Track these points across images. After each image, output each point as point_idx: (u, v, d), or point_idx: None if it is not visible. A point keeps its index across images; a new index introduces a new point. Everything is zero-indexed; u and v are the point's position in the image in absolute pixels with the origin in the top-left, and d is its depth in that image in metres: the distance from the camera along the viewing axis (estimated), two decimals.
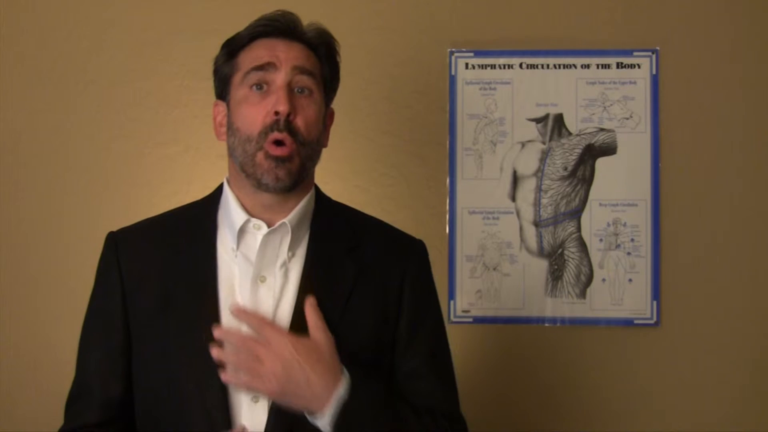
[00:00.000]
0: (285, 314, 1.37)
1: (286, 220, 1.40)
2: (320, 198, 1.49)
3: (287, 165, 1.36)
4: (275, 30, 1.42)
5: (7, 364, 2.15)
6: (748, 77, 2.19)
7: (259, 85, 1.39)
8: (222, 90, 1.46)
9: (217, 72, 1.46)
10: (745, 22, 2.20)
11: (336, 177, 2.10)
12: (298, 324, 1.35)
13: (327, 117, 1.48)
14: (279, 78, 1.38)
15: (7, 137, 2.20)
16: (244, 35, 1.43)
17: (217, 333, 1.30)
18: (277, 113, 1.36)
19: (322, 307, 1.37)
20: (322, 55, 1.45)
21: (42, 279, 2.16)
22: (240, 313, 1.32)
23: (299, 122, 1.37)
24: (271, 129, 1.36)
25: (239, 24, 1.46)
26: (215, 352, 1.30)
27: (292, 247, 1.41)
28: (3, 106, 2.20)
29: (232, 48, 1.44)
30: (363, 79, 2.18)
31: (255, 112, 1.37)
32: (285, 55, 1.39)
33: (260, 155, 1.36)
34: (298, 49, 1.42)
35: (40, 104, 2.20)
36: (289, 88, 1.38)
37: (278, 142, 1.36)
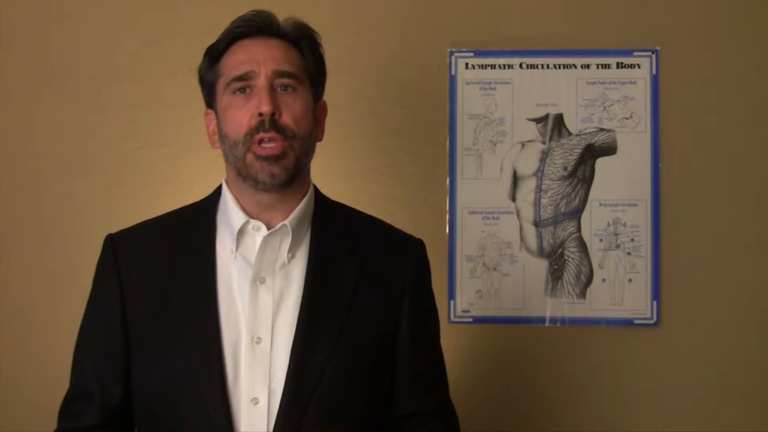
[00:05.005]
0: (288, 316, 1.37)
1: (286, 221, 1.39)
2: (319, 198, 1.48)
3: (281, 161, 1.36)
4: (253, 30, 1.41)
5: (9, 363, 2.15)
6: (748, 77, 2.19)
7: (242, 89, 1.38)
8: (209, 98, 1.45)
9: (202, 81, 1.46)
10: (745, 22, 2.20)
11: (336, 177, 2.10)
12: (303, 325, 1.35)
13: (319, 110, 1.47)
14: (260, 80, 1.37)
15: (7, 138, 2.19)
16: (223, 39, 1.43)
17: None
18: (261, 114, 1.35)
19: (326, 310, 1.37)
20: (305, 48, 1.43)
21: (42, 279, 2.16)
22: None
23: (286, 119, 1.36)
24: (257, 130, 1.35)
25: None
26: None
27: (292, 249, 1.40)
28: (3, 107, 2.20)
29: (213, 54, 1.43)
30: (363, 78, 2.18)
31: (240, 116, 1.37)
32: (264, 57, 1.38)
33: (249, 156, 1.36)
34: (277, 48, 1.40)
35: (40, 105, 2.20)
36: (272, 88, 1.37)
37: (265, 141, 1.35)
